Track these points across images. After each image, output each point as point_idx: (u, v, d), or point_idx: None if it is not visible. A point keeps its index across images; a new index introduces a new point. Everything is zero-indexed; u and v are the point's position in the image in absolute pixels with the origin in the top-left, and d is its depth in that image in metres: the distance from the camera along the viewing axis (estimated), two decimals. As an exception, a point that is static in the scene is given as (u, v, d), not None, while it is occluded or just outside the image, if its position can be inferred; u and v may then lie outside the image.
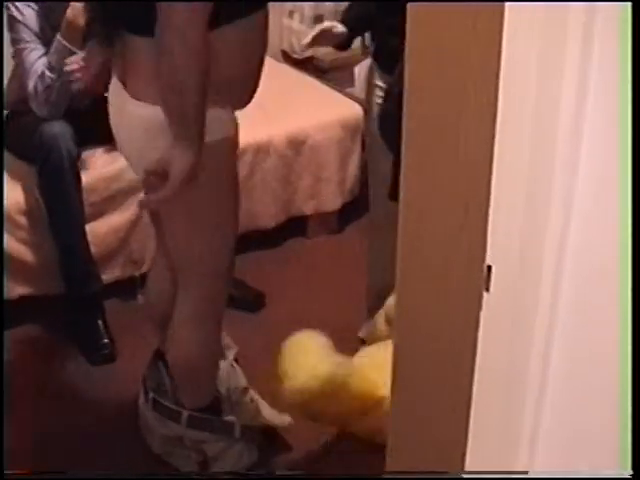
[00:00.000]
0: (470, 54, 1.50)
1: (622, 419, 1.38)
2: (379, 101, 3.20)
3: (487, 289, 1.49)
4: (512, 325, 1.50)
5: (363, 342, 3.34)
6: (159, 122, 2.53)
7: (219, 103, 2.54)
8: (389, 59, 3.04)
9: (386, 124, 2.76)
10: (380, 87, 3.21)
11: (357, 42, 4.81)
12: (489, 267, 1.48)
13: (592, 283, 1.39)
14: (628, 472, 0.89)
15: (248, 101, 2.72)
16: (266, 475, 3.07)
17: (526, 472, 1.52)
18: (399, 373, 1.86)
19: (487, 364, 1.55)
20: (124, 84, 2.62)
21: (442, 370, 1.70)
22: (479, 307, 1.51)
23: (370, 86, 3.31)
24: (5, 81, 3.86)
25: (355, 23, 3.34)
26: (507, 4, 1.33)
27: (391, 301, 2.65)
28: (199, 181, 2.59)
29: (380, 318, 3.01)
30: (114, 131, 2.75)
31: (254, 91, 2.71)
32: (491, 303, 1.51)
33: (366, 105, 3.42)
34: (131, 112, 2.61)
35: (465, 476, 1.64)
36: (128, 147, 2.71)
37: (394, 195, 1.88)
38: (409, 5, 1.58)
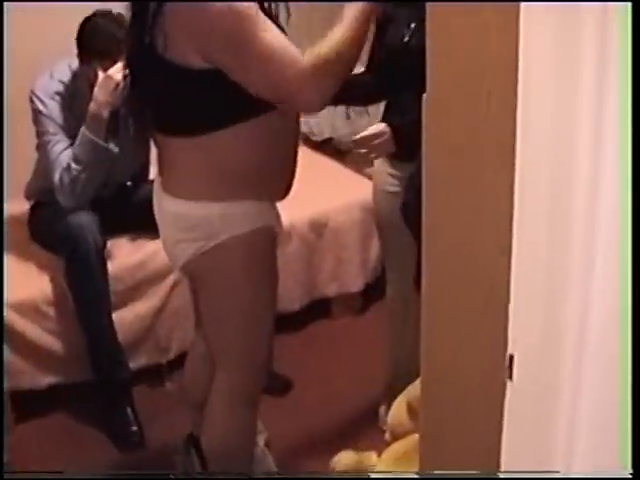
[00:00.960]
0: (484, 144, 1.54)
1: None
2: (392, 189, 3.23)
3: (510, 377, 1.51)
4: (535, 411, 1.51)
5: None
6: (193, 219, 2.62)
7: (255, 196, 2.62)
8: (401, 148, 3.09)
9: (410, 214, 2.79)
10: (392, 175, 3.25)
11: (376, 122, 4.91)
12: (511, 356, 1.50)
13: (611, 370, 1.41)
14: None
15: (286, 193, 2.80)
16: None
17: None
18: (425, 465, 1.87)
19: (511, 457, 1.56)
20: (162, 179, 2.71)
21: (468, 462, 1.71)
22: (503, 395, 1.53)
23: (380, 174, 3.35)
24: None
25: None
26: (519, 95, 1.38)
27: (413, 389, 2.65)
28: (237, 270, 2.66)
29: (401, 406, 3.00)
30: (157, 221, 2.81)
31: (291, 182, 2.79)
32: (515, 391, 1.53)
33: (374, 191, 3.43)
34: (166, 208, 2.69)
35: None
36: (165, 240, 2.78)
37: (418, 281, 1.91)
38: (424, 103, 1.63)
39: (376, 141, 3.05)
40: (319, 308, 4.36)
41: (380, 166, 3.33)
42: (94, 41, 3.57)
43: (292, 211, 4.15)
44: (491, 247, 1.57)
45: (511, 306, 1.48)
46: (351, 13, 2.46)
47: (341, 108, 5.20)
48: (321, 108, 2.54)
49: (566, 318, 1.42)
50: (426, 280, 1.73)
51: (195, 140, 2.57)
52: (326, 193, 4.35)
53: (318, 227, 4.21)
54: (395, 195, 3.21)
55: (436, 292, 1.73)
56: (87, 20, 3.63)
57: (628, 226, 1.31)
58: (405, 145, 3.06)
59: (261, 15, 2.41)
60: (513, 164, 1.45)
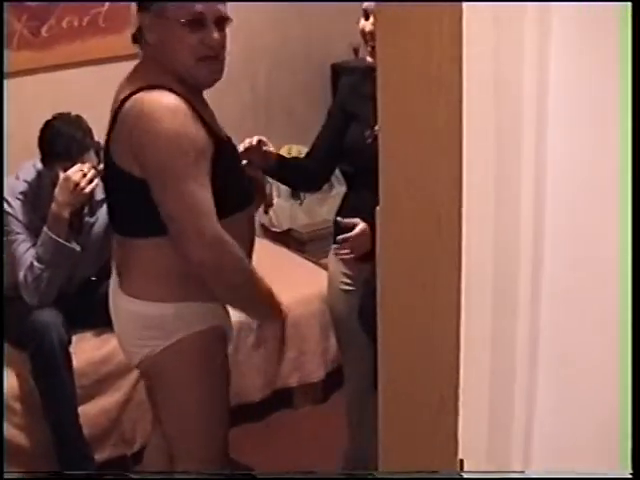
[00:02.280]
0: (435, 256, 1.66)
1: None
2: (346, 287, 3.32)
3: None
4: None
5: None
6: (147, 318, 2.71)
7: (207, 297, 2.71)
8: None
9: (366, 318, 2.87)
10: (346, 274, 3.34)
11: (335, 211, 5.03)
12: (461, 460, 1.59)
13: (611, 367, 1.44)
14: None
15: None
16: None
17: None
18: None
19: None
20: (119, 278, 2.79)
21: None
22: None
23: (334, 272, 3.42)
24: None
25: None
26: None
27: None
28: (190, 367, 2.75)
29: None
30: (112, 318, 2.89)
31: None
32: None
33: (328, 289, 3.50)
34: (121, 306, 2.78)
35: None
36: (120, 338, 2.86)
37: (375, 383, 2.00)
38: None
39: (360, 240, 3.11)
40: (281, 398, 4.43)
41: (334, 265, 3.40)
42: (53, 144, 3.70)
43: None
44: (444, 351, 1.68)
45: (461, 412, 1.59)
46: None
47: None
48: (200, 268, 2.59)
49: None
50: (382, 383, 1.83)
51: (148, 241, 2.67)
52: (286, 284, 4.44)
53: (279, 319, 4.30)
54: (349, 293, 3.30)
55: (392, 395, 1.83)
56: (47, 124, 3.75)
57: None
58: None
59: (202, 165, 2.53)
60: (460, 270, 1.57)
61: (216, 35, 2.61)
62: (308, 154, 3.48)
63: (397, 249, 1.80)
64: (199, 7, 2.57)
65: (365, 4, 3.08)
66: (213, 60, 2.63)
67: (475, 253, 1.53)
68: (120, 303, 2.78)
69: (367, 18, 3.07)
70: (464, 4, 1.39)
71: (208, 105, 2.75)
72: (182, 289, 2.69)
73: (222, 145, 2.64)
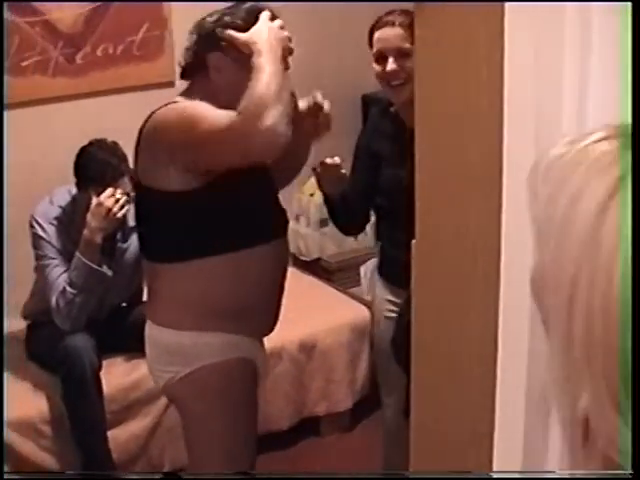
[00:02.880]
0: (471, 288, 1.67)
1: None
2: (390, 315, 3.29)
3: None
4: None
5: None
6: (167, 345, 2.73)
7: (230, 329, 2.72)
8: (395, 273, 3.16)
9: (400, 350, 2.88)
10: (391, 301, 3.30)
11: (363, 241, 5.05)
12: None
13: None
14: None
15: (270, 330, 2.90)
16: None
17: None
18: None
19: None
20: (147, 304, 2.83)
21: None
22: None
23: (379, 299, 3.41)
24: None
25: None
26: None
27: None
28: (210, 398, 2.75)
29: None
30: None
31: (275, 320, 2.89)
32: None
33: (372, 317, 3.51)
34: (147, 332, 2.81)
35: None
36: (148, 362, 2.89)
37: (407, 413, 2.02)
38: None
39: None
40: (308, 426, 4.43)
41: (380, 292, 3.40)
42: (89, 169, 3.73)
43: (282, 332, 4.22)
44: (478, 383, 1.70)
45: (496, 432, 1.60)
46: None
47: (329, 229, 5.35)
48: (284, 140, 2.47)
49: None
50: (414, 414, 1.85)
51: (170, 268, 2.69)
52: (315, 314, 4.46)
53: (307, 348, 4.32)
54: (393, 320, 3.29)
55: (424, 430, 1.84)
56: (83, 149, 3.80)
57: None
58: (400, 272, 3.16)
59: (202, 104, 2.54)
60: (497, 303, 1.59)
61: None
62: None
63: (433, 281, 1.81)
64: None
65: (379, 46, 3.07)
66: None
67: (513, 284, 1.55)
68: (147, 329, 2.82)
69: (380, 60, 3.05)
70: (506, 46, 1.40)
71: None
72: (203, 318, 2.70)
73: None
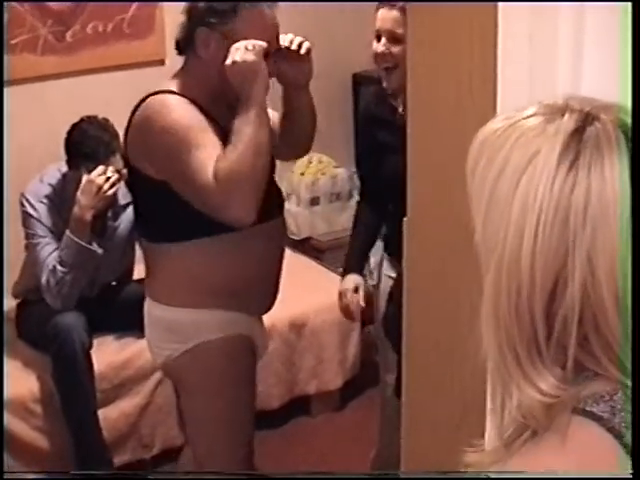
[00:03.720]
0: (462, 265, 1.67)
1: None
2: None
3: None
4: None
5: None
6: (167, 322, 2.74)
7: (228, 306, 2.73)
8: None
9: (390, 327, 2.89)
10: (391, 277, 3.25)
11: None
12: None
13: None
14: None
15: (268, 308, 2.94)
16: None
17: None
18: None
19: None
20: (146, 282, 2.84)
21: None
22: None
23: (382, 276, 3.37)
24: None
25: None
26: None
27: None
28: (210, 374, 2.76)
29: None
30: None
31: (273, 299, 2.93)
32: None
33: (374, 292, 3.47)
34: (146, 309, 2.82)
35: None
36: (148, 339, 2.89)
37: (398, 392, 2.02)
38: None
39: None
40: (299, 405, 4.44)
41: (385, 270, 3.37)
42: (81, 146, 3.72)
43: (272, 311, 4.25)
44: (467, 362, 1.70)
45: (487, 419, 1.60)
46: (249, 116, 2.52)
47: (320, 208, 5.35)
48: (249, 220, 2.52)
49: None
50: (406, 393, 1.85)
51: (170, 247, 2.71)
52: (305, 293, 4.46)
53: (298, 327, 4.32)
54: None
55: (416, 408, 1.84)
56: (75, 126, 3.78)
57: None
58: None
59: (203, 126, 2.55)
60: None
61: (271, 64, 2.61)
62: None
63: (424, 259, 1.81)
64: (266, 35, 2.59)
65: (377, 25, 3.04)
66: None
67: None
68: (146, 306, 2.82)
69: (379, 40, 3.03)
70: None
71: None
72: (200, 297, 2.72)
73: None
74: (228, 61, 2.50)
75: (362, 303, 3.19)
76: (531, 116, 1.09)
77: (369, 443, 3.64)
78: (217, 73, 2.59)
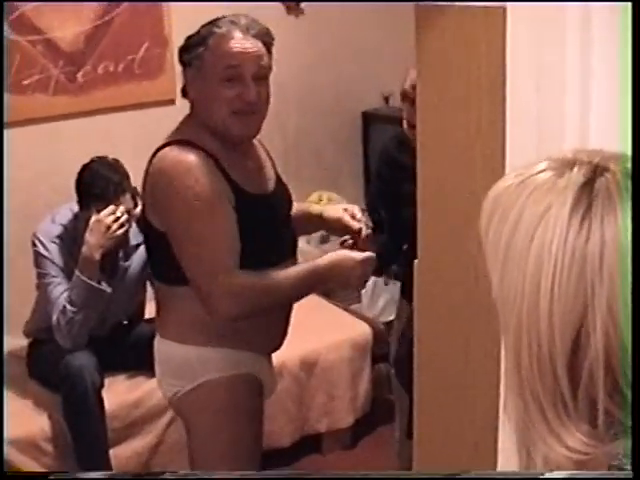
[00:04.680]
0: (473, 307, 1.68)
1: None
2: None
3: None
4: None
5: None
6: (174, 359, 2.75)
7: (236, 345, 2.73)
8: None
9: (401, 368, 2.88)
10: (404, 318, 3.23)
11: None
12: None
13: None
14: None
15: (276, 348, 2.94)
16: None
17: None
18: None
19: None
20: (156, 319, 2.86)
21: None
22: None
23: (401, 318, 3.34)
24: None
25: None
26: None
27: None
28: (215, 413, 2.77)
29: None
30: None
31: (282, 339, 2.93)
32: None
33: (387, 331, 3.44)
34: (156, 346, 2.83)
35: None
36: (158, 376, 2.91)
37: (410, 434, 2.03)
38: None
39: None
40: (310, 443, 4.43)
41: (401, 313, 3.35)
42: (91, 186, 3.73)
43: (283, 349, 4.25)
44: (481, 401, 1.71)
45: (499, 462, 1.61)
46: (305, 269, 2.66)
47: (329, 246, 5.35)
48: (234, 320, 2.64)
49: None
50: (417, 434, 1.85)
51: (178, 289, 2.72)
52: (316, 331, 4.46)
53: (308, 365, 4.32)
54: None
55: (428, 450, 1.85)
56: (85, 166, 3.81)
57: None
58: None
59: (217, 206, 2.57)
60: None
61: (253, 90, 2.62)
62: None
63: (434, 300, 1.82)
64: (234, 61, 2.60)
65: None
66: (249, 115, 2.65)
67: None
68: (156, 343, 2.85)
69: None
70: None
71: (251, 158, 2.79)
72: (209, 335, 2.73)
73: (248, 200, 2.65)
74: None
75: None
76: (542, 171, 1.10)
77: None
78: (204, 108, 2.64)
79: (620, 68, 1.32)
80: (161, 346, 2.84)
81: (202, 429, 2.84)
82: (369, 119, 5.52)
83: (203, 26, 2.65)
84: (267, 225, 2.72)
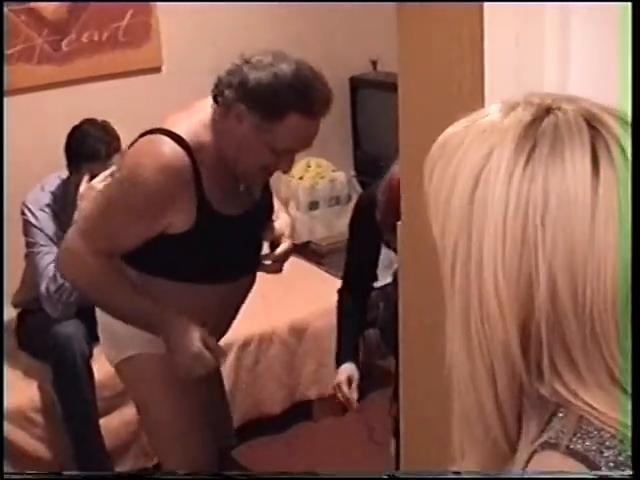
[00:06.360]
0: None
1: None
2: None
3: None
4: None
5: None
6: (109, 330, 2.82)
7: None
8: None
9: (386, 331, 2.88)
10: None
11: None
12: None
13: None
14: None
15: (221, 336, 2.89)
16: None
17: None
18: None
19: None
20: None
21: None
22: None
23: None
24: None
25: None
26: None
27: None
28: (146, 385, 2.83)
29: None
30: None
31: (227, 327, 2.92)
32: None
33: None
34: (98, 315, 2.88)
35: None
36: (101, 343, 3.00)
37: (396, 397, 2.02)
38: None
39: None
40: (301, 410, 4.44)
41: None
42: (82, 146, 3.70)
43: (272, 316, 4.28)
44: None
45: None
46: (148, 306, 2.61)
47: (318, 212, 5.35)
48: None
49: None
50: (404, 402, 1.84)
51: (131, 271, 2.70)
52: (305, 297, 4.46)
53: (298, 332, 4.32)
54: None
55: (413, 418, 1.84)
56: (75, 128, 3.77)
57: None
58: None
59: (151, 213, 2.51)
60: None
61: (291, 162, 2.60)
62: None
63: (418, 263, 1.81)
64: (294, 145, 2.53)
65: None
66: (272, 174, 2.66)
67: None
68: (97, 311, 2.89)
69: None
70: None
71: (237, 181, 2.68)
72: None
73: (214, 219, 2.57)
74: None
75: (355, 396, 3.14)
76: (489, 114, 1.03)
77: (371, 448, 3.63)
78: (234, 147, 2.52)
79: (600, 17, 1.30)
80: (99, 314, 2.87)
81: (139, 399, 2.94)
82: (357, 84, 5.49)
83: (282, 73, 2.49)
84: (227, 244, 2.65)
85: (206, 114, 2.56)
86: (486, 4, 1.46)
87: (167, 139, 2.48)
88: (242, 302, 2.90)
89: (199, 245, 2.56)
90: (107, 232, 2.55)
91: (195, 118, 2.57)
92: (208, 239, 2.57)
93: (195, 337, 2.57)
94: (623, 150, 0.94)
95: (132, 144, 2.62)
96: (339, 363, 3.19)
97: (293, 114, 2.44)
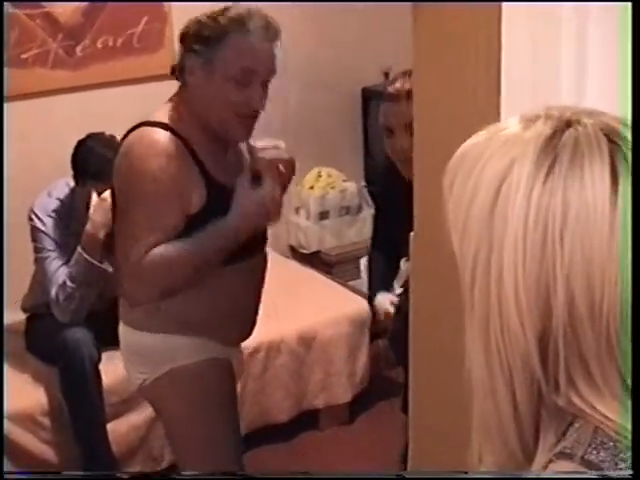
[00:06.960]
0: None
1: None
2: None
3: None
4: None
5: None
6: (145, 349, 2.72)
7: (201, 334, 2.71)
8: None
9: (396, 342, 2.88)
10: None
11: (363, 233, 5.06)
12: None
13: None
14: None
15: (244, 338, 2.89)
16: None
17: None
18: None
19: None
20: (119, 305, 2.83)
21: None
22: None
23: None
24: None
25: None
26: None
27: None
28: (185, 399, 2.74)
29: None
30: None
31: (250, 330, 2.88)
32: None
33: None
34: (122, 335, 2.82)
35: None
36: (124, 363, 2.91)
37: (405, 408, 2.02)
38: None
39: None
40: (307, 419, 4.43)
41: None
42: (87, 164, 3.70)
43: (281, 325, 4.29)
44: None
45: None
46: (214, 233, 2.55)
47: (329, 222, 5.36)
48: (143, 303, 2.64)
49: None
50: (413, 410, 1.85)
51: None
52: (314, 306, 4.46)
53: (306, 340, 4.31)
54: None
55: (423, 426, 1.84)
56: (80, 143, 3.78)
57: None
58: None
59: (167, 197, 2.50)
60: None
61: (262, 97, 2.57)
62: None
63: (431, 274, 1.81)
64: (252, 64, 2.53)
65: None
66: (250, 119, 2.60)
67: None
68: (120, 330, 2.84)
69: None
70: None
71: (231, 150, 2.71)
72: (173, 324, 2.68)
73: (221, 192, 2.58)
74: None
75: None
76: (509, 127, 1.04)
77: (378, 457, 3.63)
78: (202, 101, 2.56)
79: (616, 36, 1.31)
80: (125, 333, 2.80)
81: (173, 417, 2.82)
82: (369, 95, 5.49)
83: (218, 14, 2.54)
84: None
85: (174, 97, 2.65)
86: (504, 4, 1.46)
87: (152, 128, 2.53)
88: (261, 286, 2.85)
89: (212, 221, 2.56)
90: (148, 227, 2.52)
91: (166, 105, 2.63)
92: (220, 214, 2.56)
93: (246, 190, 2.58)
94: None
95: (118, 150, 2.65)
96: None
97: (232, 34, 2.50)
